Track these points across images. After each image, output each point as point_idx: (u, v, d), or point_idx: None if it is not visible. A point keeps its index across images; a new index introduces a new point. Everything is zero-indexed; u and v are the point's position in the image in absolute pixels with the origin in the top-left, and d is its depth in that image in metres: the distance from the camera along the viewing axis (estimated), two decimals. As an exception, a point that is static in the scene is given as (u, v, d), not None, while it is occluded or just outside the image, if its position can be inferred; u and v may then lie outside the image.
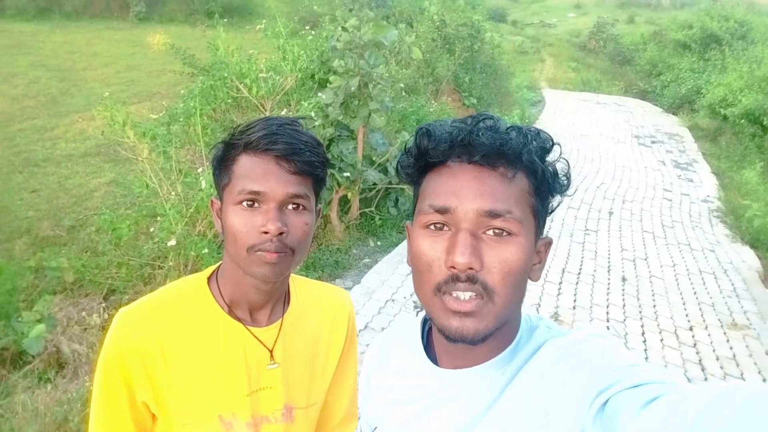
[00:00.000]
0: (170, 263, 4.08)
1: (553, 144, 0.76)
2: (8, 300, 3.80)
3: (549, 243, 0.82)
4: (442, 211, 0.72)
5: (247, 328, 1.04)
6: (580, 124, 12.77)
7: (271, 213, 0.93)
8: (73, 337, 3.54)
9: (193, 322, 1.02)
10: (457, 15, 10.89)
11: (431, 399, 0.82)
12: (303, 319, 1.12)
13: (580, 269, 5.59)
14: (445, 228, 0.73)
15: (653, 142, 11.71)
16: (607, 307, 4.91)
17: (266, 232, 0.92)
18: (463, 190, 0.71)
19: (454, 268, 0.70)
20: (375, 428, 0.92)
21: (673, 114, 14.50)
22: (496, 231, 0.71)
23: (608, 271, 5.64)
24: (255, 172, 0.94)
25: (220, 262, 1.08)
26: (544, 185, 0.75)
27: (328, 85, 4.99)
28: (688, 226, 7.22)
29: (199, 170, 4.26)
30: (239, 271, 0.99)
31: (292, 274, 1.14)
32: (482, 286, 0.70)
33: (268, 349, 1.05)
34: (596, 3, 35.11)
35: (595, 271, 5.61)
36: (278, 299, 1.09)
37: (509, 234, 0.71)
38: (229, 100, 5.69)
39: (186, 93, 5.97)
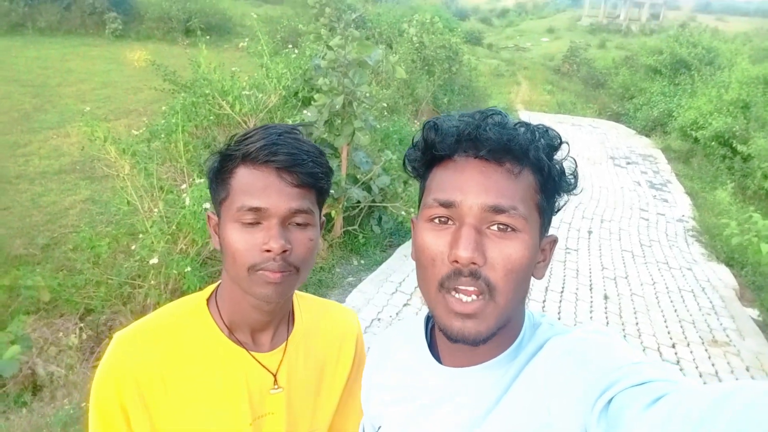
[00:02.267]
0: (151, 282, 3.97)
1: (561, 142, 0.75)
2: (-21, 320, 3.66)
3: (554, 241, 0.81)
4: (447, 205, 0.72)
5: (249, 353, 0.97)
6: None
7: (274, 230, 0.87)
8: (49, 358, 3.41)
9: (193, 347, 0.95)
10: (435, 37, 11.03)
11: (434, 397, 0.81)
12: (308, 341, 1.06)
13: (562, 288, 5.62)
14: (450, 222, 0.73)
15: (628, 163, 11.93)
16: (591, 325, 4.92)
17: (269, 251, 0.86)
18: (469, 185, 0.71)
19: (457, 262, 0.69)
20: (379, 427, 0.90)
21: (646, 136, 14.82)
22: (501, 227, 0.70)
23: (590, 290, 5.67)
24: (255, 186, 0.87)
25: (219, 281, 1.02)
26: (551, 183, 0.75)
27: (312, 103, 4.98)
28: (665, 245, 7.33)
29: (183, 187, 4.18)
30: (239, 292, 0.93)
31: (296, 292, 1.09)
32: (485, 282, 0.69)
33: (272, 374, 0.99)
34: (568, 28, 36.03)
35: (577, 289, 5.64)
36: (281, 320, 1.03)
37: (513, 230, 0.71)
38: (211, 117, 5.63)
39: (167, 109, 5.90)
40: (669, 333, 4.97)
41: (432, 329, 0.89)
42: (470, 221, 0.70)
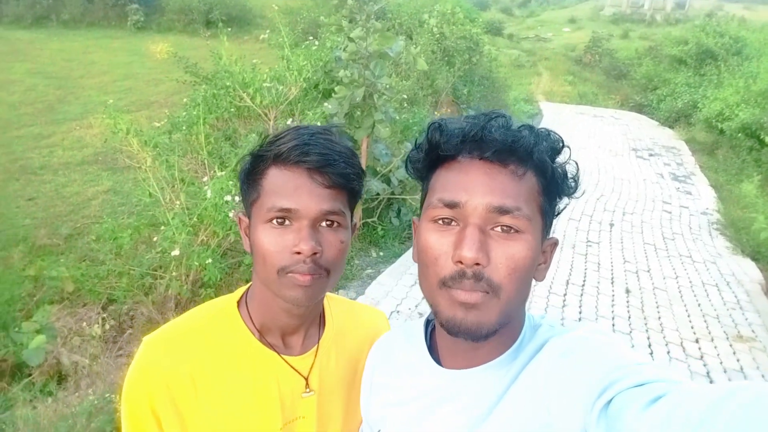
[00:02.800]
0: (172, 273, 4.01)
1: (564, 145, 0.77)
2: (6, 310, 3.73)
3: (555, 243, 0.82)
4: (452, 205, 0.72)
5: (281, 357, 0.97)
6: (578, 137, 12.80)
7: (304, 231, 0.85)
8: (74, 348, 3.46)
9: (224, 350, 0.94)
10: (456, 28, 10.92)
11: (434, 399, 0.81)
12: (340, 344, 1.05)
13: (584, 281, 5.56)
14: (454, 223, 0.73)
15: (651, 155, 11.75)
16: (613, 319, 4.87)
17: (299, 253, 0.85)
18: (473, 186, 0.71)
19: (461, 262, 0.70)
20: (379, 431, 0.90)
21: (670, 127, 14.58)
22: (504, 228, 0.71)
23: (612, 283, 5.61)
24: (286, 186, 0.86)
25: (250, 283, 1.01)
26: (553, 185, 0.76)
27: (332, 95, 4.96)
28: (688, 239, 7.21)
29: (204, 179, 4.20)
30: (269, 294, 0.92)
31: (327, 293, 1.08)
32: (487, 284, 0.70)
33: (304, 377, 0.98)
34: (590, 18, 35.47)
35: (598, 282, 5.58)
36: (312, 322, 1.02)
37: (517, 231, 0.71)
38: (232, 109, 5.64)
39: (188, 102, 5.93)
40: (692, 328, 4.89)
41: (432, 332, 0.89)
42: (475, 221, 0.71)
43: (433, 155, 0.77)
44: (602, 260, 6.15)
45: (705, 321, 5.05)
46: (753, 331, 4.95)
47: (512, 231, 0.71)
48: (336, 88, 4.92)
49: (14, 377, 3.16)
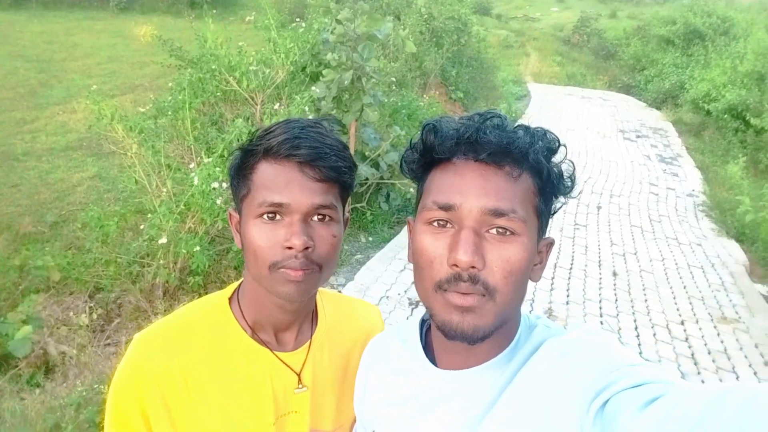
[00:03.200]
0: (160, 261, 3.98)
1: (560, 145, 0.76)
2: (-9, 300, 3.69)
3: (551, 243, 0.82)
4: (446, 208, 0.72)
5: (273, 353, 0.96)
6: (566, 119, 12.81)
7: (296, 226, 0.84)
8: (61, 338, 3.44)
9: (215, 347, 0.94)
10: (444, 8, 10.83)
11: (429, 399, 0.81)
12: (333, 339, 1.05)
13: (571, 264, 5.60)
14: (449, 225, 0.72)
15: (638, 137, 11.79)
16: (600, 302, 4.92)
17: (290, 248, 0.84)
18: (468, 188, 0.71)
19: (457, 266, 0.69)
20: (373, 431, 0.90)
21: (657, 109, 14.63)
22: (500, 230, 0.71)
23: (599, 266, 5.66)
24: (276, 181, 0.85)
25: (241, 280, 1.00)
26: (549, 186, 0.75)
27: (320, 78, 4.91)
28: (674, 221, 7.28)
29: (191, 166, 4.16)
30: (261, 290, 0.91)
31: (319, 288, 1.07)
32: (483, 286, 0.70)
33: (296, 373, 0.97)
34: (579, -3, 35.28)
35: (586, 266, 5.62)
36: (305, 318, 1.01)
37: (513, 233, 0.71)
38: (218, 94, 5.56)
39: (174, 86, 5.83)
40: (678, 310, 4.96)
41: (427, 332, 0.89)
42: (470, 224, 0.70)
43: (427, 157, 0.76)
44: (590, 243, 6.19)
45: (690, 303, 5.12)
46: (737, 312, 5.03)
47: (507, 233, 0.71)
48: (324, 72, 4.87)
49: (0, 369, 3.13)
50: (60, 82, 8.93)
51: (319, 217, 0.88)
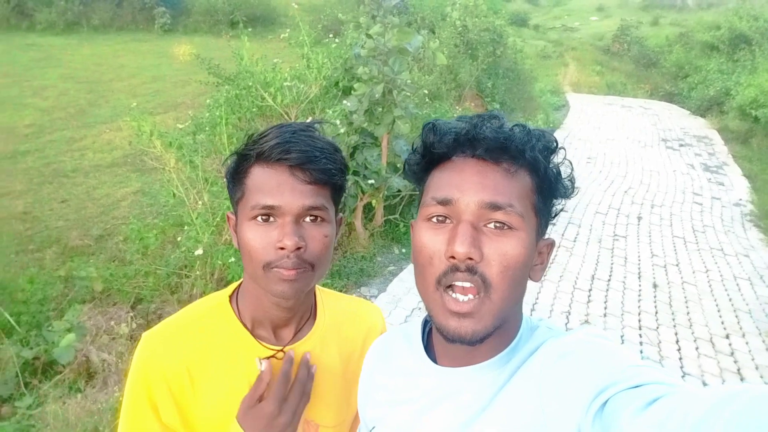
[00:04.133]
0: (197, 272, 4.09)
1: (558, 145, 0.77)
2: (39, 309, 3.86)
3: (551, 244, 0.82)
4: (444, 202, 0.73)
5: (268, 348, 1.00)
6: (606, 128, 12.57)
7: (287, 227, 0.88)
8: (102, 346, 3.56)
9: (217, 343, 0.99)
10: (479, 20, 10.83)
11: (429, 398, 0.82)
12: (333, 336, 1.08)
13: (610, 276, 5.48)
14: (447, 221, 0.74)
15: (681, 145, 11.48)
16: (639, 314, 4.79)
17: (282, 248, 0.88)
18: (466, 183, 0.72)
19: (454, 258, 0.70)
20: (373, 428, 0.91)
21: (701, 116, 14.21)
22: (497, 224, 0.71)
23: (639, 278, 5.51)
24: (268, 184, 0.89)
25: (242, 279, 1.04)
26: (547, 184, 0.76)
27: (352, 92, 4.97)
28: (720, 231, 7.03)
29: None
30: (259, 289, 0.95)
31: (319, 288, 1.11)
32: (481, 278, 0.70)
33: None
34: (619, 5, 34.70)
35: (625, 277, 5.49)
36: (303, 316, 1.05)
37: (510, 228, 0.72)
38: (254, 109, 5.71)
39: (211, 102, 6.02)
40: (723, 323, 4.78)
41: (430, 331, 0.90)
42: (467, 218, 0.71)
43: (428, 156, 0.78)
44: (629, 254, 6.04)
45: (736, 316, 4.93)
46: (787, 325, 4.82)
47: (505, 227, 0.71)
48: (355, 85, 4.93)
49: (45, 375, 3.27)
50: (107, 102, 9.31)
51: (311, 218, 0.91)
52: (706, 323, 4.75)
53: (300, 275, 0.90)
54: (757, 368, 4.17)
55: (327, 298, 1.12)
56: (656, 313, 4.84)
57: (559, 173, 0.77)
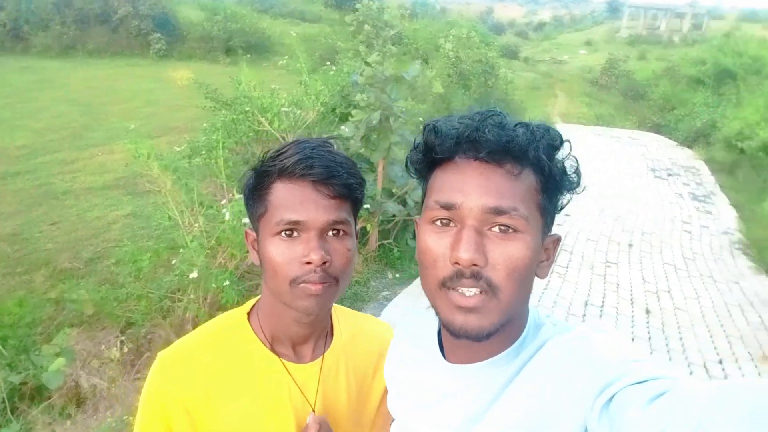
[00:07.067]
0: (190, 295, 4.05)
1: (562, 141, 0.76)
2: (27, 333, 3.78)
3: (557, 240, 0.81)
4: (448, 207, 0.73)
5: (287, 366, 0.99)
6: (595, 159, 12.73)
7: (313, 242, 0.88)
8: (92, 371, 3.50)
9: (236, 362, 0.97)
10: (472, 51, 11.03)
11: (437, 393, 0.82)
12: (349, 353, 1.07)
13: (602, 302, 5.49)
14: (451, 224, 0.73)
15: (669, 175, 11.62)
16: (633, 340, 4.79)
17: (309, 263, 0.88)
18: (469, 187, 0.72)
19: (458, 264, 0.70)
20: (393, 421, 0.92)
21: (688, 147, 14.42)
22: (502, 228, 0.71)
23: (631, 304, 5.53)
24: (292, 200, 0.89)
25: (259, 296, 1.04)
26: (552, 182, 0.75)
27: (349, 118, 5.03)
28: (709, 259, 7.09)
29: (222, 202, 4.26)
30: (280, 305, 0.94)
31: (335, 305, 1.10)
32: (486, 283, 0.70)
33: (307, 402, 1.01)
34: (606, 40, 35.50)
35: (618, 303, 5.50)
36: (321, 332, 1.04)
37: (515, 231, 0.71)
38: (251, 134, 5.74)
39: (208, 126, 6.04)
40: (716, 349, 4.79)
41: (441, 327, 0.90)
42: (471, 223, 0.71)
43: (429, 156, 0.77)
44: (621, 281, 6.07)
45: (729, 342, 4.94)
46: (779, 353, 4.83)
47: (510, 231, 0.71)
48: (353, 112, 4.98)
49: (34, 400, 3.19)
50: (101, 125, 9.32)
51: (334, 232, 0.91)
52: (699, 349, 4.76)
53: (326, 289, 0.90)
54: (751, 396, 4.17)
55: (342, 315, 1.12)
56: (650, 338, 4.85)
57: (564, 169, 0.76)
